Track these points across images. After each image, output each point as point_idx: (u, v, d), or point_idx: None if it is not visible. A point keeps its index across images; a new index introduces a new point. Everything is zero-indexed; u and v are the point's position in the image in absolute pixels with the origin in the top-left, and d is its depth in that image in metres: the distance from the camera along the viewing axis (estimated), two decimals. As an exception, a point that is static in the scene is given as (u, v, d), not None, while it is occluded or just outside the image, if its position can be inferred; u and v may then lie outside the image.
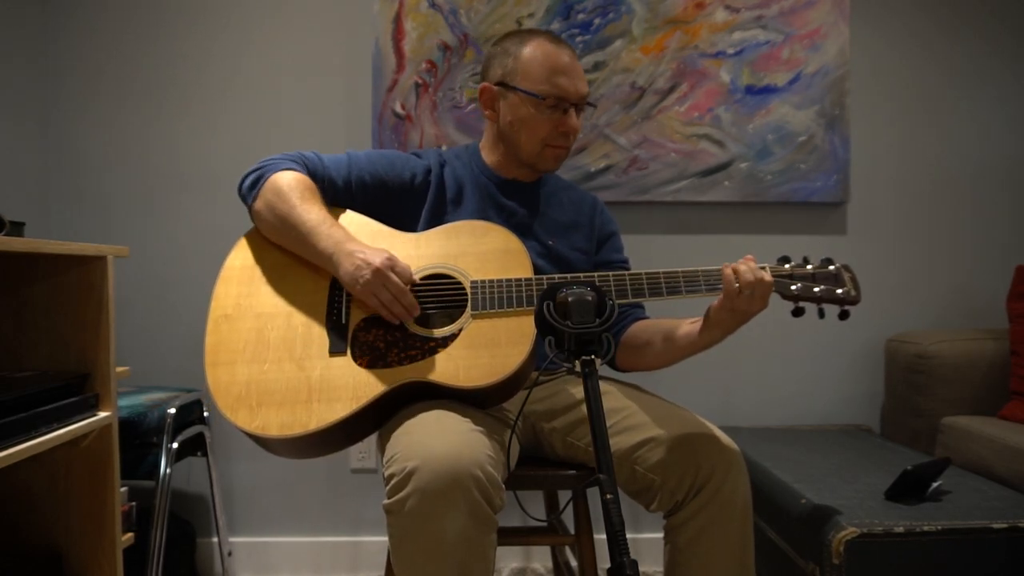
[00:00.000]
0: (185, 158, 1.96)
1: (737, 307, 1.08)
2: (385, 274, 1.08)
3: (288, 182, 1.19)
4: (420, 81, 1.93)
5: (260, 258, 1.22)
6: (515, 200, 1.36)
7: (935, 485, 1.37)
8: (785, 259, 1.16)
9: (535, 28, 1.34)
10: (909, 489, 1.34)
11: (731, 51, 1.95)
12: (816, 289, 1.12)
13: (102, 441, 1.36)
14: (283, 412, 1.07)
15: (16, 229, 1.34)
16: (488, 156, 1.38)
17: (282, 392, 1.09)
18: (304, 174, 1.23)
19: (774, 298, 1.13)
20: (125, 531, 1.43)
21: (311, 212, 1.16)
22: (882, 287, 2.02)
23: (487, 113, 1.35)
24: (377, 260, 1.09)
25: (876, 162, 2.02)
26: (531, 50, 1.28)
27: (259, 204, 1.20)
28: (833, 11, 1.94)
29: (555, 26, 1.93)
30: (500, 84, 1.31)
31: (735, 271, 1.08)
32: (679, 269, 1.15)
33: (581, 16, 1.93)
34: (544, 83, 1.27)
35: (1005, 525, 1.22)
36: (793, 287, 1.12)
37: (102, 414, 1.33)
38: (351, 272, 1.10)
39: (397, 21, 1.92)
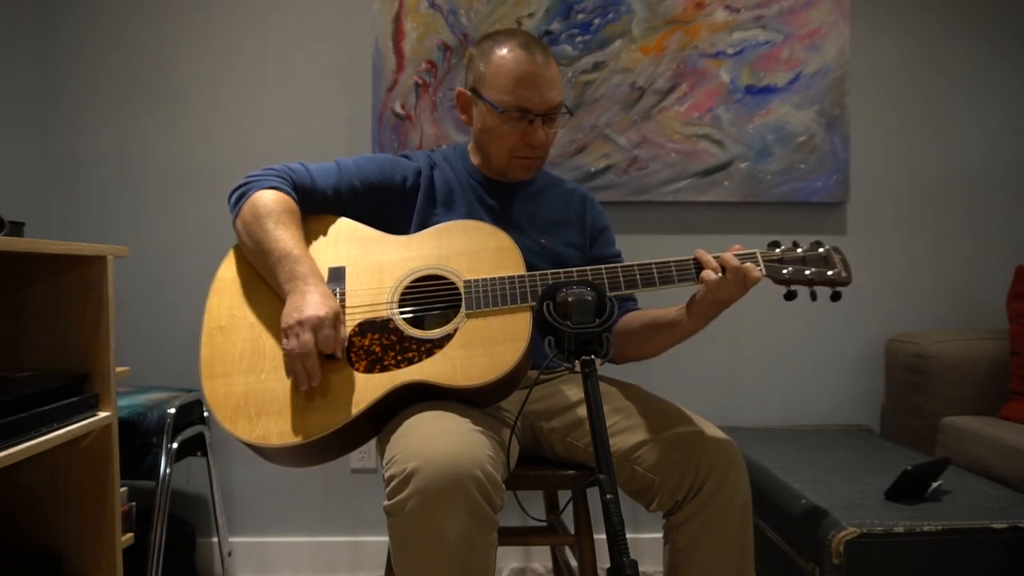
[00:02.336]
0: (184, 158, 1.96)
1: (719, 298, 1.10)
2: (303, 327, 1.05)
3: (266, 204, 1.18)
4: (420, 81, 1.93)
5: (251, 268, 1.21)
6: (504, 200, 1.36)
7: (935, 485, 1.37)
8: (775, 243, 1.16)
9: (513, 29, 1.31)
10: (909, 489, 1.34)
11: (731, 51, 1.95)
12: (807, 272, 1.13)
13: (102, 441, 1.36)
14: (282, 421, 1.07)
15: (16, 229, 1.34)
16: (474, 157, 1.39)
17: (280, 401, 1.08)
18: (288, 191, 1.22)
19: (770, 293, 1.14)
20: (125, 531, 1.43)
21: (280, 241, 1.14)
22: (882, 287, 2.02)
23: (463, 117, 1.35)
24: (308, 312, 1.05)
25: (876, 162, 2.02)
26: (499, 58, 1.26)
27: (238, 223, 1.20)
28: (833, 11, 1.94)
29: (555, 26, 1.93)
30: (472, 90, 1.31)
31: (721, 261, 1.10)
32: (671, 259, 1.15)
33: (581, 16, 1.93)
34: (507, 94, 1.24)
35: (1005, 525, 1.22)
36: (784, 271, 1.12)
37: (102, 414, 1.33)
38: (286, 311, 1.08)
39: (397, 21, 1.92)
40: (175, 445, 1.63)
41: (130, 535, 1.44)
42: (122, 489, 1.42)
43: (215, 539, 1.91)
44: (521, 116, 1.26)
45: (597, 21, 1.94)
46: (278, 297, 1.17)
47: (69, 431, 1.24)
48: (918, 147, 2.03)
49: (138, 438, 1.60)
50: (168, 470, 1.60)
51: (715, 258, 1.11)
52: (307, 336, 1.05)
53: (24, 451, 1.12)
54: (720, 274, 1.09)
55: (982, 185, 2.04)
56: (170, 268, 1.96)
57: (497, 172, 1.35)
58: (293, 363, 1.06)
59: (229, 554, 1.87)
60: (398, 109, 1.93)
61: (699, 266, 1.12)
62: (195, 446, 1.78)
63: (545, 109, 1.26)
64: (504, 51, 1.26)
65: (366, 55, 1.95)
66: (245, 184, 1.22)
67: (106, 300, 1.34)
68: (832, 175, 1.96)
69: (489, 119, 1.28)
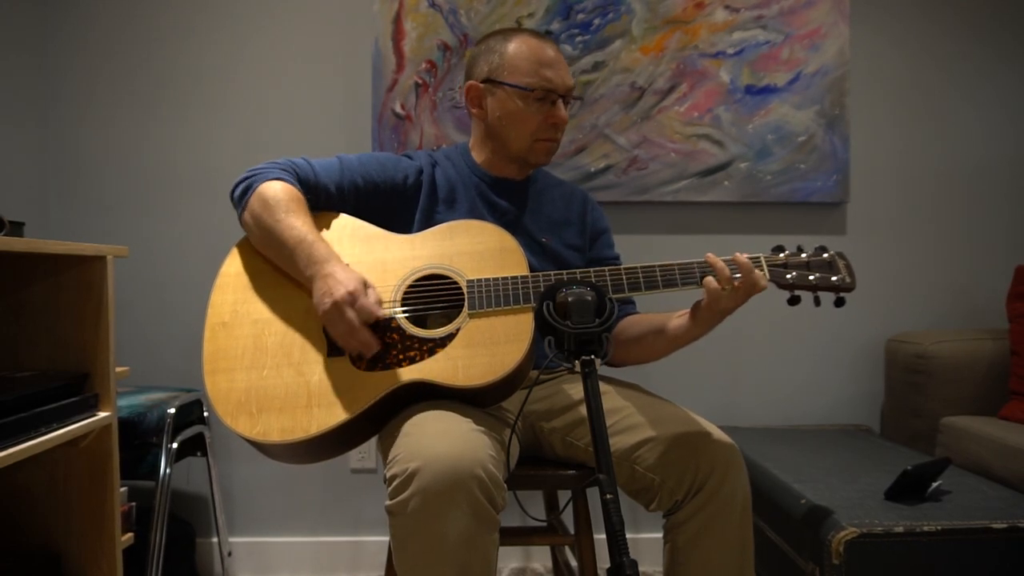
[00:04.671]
0: (184, 158, 1.96)
1: (723, 306, 1.10)
2: (342, 308, 1.05)
3: (275, 194, 1.18)
4: (420, 81, 1.93)
5: (255, 264, 1.21)
6: (507, 198, 1.36)
7: (935, 485, 1.37)
8: (779, 248, 1.16)
9: (516, 26, 1.35)
10: (909, 489, 1.34)
11: (731, 51, 1.95)
12: (811, 277, 1.13)
13: (102, 441, 1.36)
14: (284, 417, 1.07)
15: (16, 229, 1.34)
16: (478, 155, 1.39)
17: (282, 398, 1.09)
18: (293, 183, 1.22)
19: (772, 294, 1.14)
20: (125, 531, 1.43)
21: (294, 228, 1.14)
22: (882, 287, 2.02)
23: (474, 111, 1.36)
24: (339, 292, 1.06)
25: (876, 162, 2.03)
26: (516, 46, 1.30)
27: (247, 215, 1.20)
28: (833, 11, 1.95)
29: (555, 26, 1.93)
30: (487, 81, 1.32)
31: (718, 269, 1.10)
32: (674, 262, 1.15)
33: (581, 16, 1.93)
34: (532, 76, 1.28)
35: (1004, 525, 1.22)
36: (788, 276, 1.12)
37: (102, 414, 1.33)
38: (319, 294, 1.08)
39: (397, 21, 1.92)
40: (175, 445, 1.63)
41: (130, 535, 1.44)
42: (122, 489, 1.42)
43: (215, 539, 1.91)
44: (545, 97, 1.29)
45: (597, 21, 1.94)
46: (281, 293, 1.17)
47: (69, 431, 1.24)
48: (918, 147, 2.04)
49: (138, 438, 1.60)
50: (168, 470, 1.60)
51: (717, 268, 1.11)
52: (350, 315, 1.06)
53: (24, 451, 1.12)
54: (716, 285, 1.09)
55: (982, 185, 2.04)
56: (170, 268, 1.96)
57: (516, 159, 1.35)
58: (348, 343, 1.08)
59: (229, 554, 1.87)
60: (398, 109, 1.93)
61: (703, 270, 1.12)
62: (195, 446, 1.78)
63: (565, 90, 1.31)
64: (519, 40, 1.30)
65: (366, 55, 1.95)
66: (249, 177, 1.22)
67: (106, 300, 1.34)
68: (832, 175, 1.97)
69: (511, 104, 1.30)
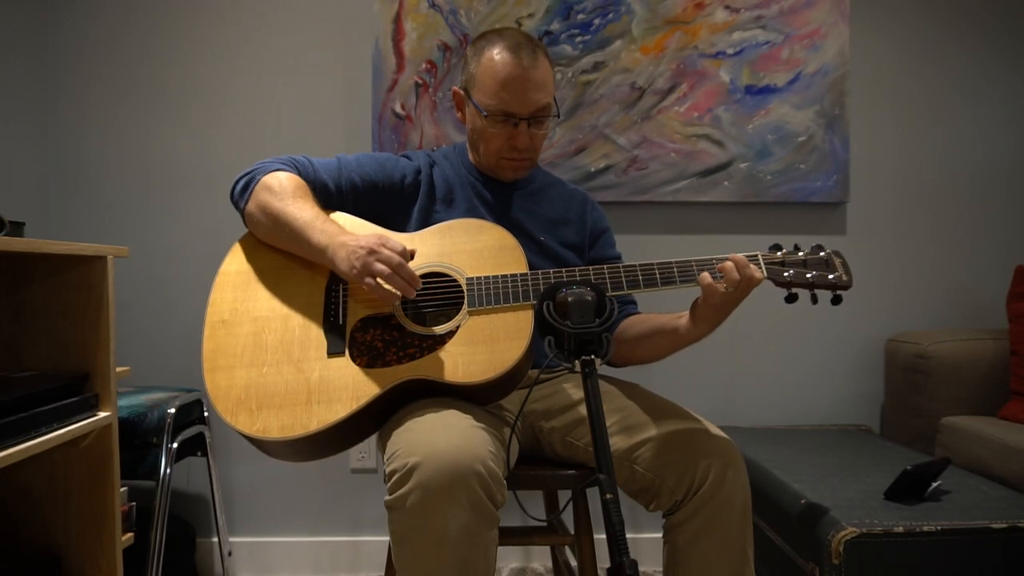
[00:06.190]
0: (185, 158, 1.96)
1: (720, 301, 1.10)
2: (377, 250, 1.06)
3: (280, 181, 1.19)
4: (420, 81, 1.93)
5: (255, 262, 1.22)
6: (503, 197, 1.37)
7: (935, 485, 1.37)
8: (777, 247, 1.17)
9: (505, 29, 1.30)
10: (909, 489, 1.34)
11: (731, 51, 1.95)
12: (808, 275, 1.13)
13: (102, 441, 1.36)
14: (283, 414, 1.07)
15: (16, 229, 1.35)
16: (472, 155, 1.39)
17: (282, 395, 1.09)
18: (295, 175, 1.23)
19: (771, 294, 1.14)
20: (125, 531, 1.43)
21: (304, 209, 1.16)
22: (882, 287, 2.02)
23: (459, 115, 1.37)
24: (369, 242, 1.08)
25: (876, 162, 2.03)
26: (487, 60, 1.25)
27: (251, 206, 1.20)
28: (833, 11, 1.95)
29: (555, 26, 1.93)
30: (464, 90, 1.32)
31: (722, 268, 1.10)
32: (672, 260, 1.15)
33: (581, 16, 1.93)
34: (491, 98, 1.25)
35: (1004, 525, 1.22)
36: (786, 274, 1.13)
37: (102, 414, 1.33)
38: (346, 258, 1.08)
39: (397, 21, 1.92)
40: (175, 445, 1.63)
41: (130, 535, 1.44)
42: (122, 489, 1.42)
43: (215, 539, 1.91)
44: (505, 120, 1.26)
45: (597, 21, 1.94)
46: (281, 291, 1.18)
47: (69, 431, 1.24)
48: (918, 147, 2.04)
49: (138, 438, 1.60)
50: (168, 470, 1.60)
51: (717, 264, 1.11)
52: (386, 253, 1.05)
53: (24, 451, 1.12)
54: (727, 287, 1.09)
55: (982, 185, 2.04)
56: (170, 268, 1.96)
57: (488, 171, 1.36)
58: (393, 280, 1.06)
59: (229, 554, 1.87)
60: (398, 109, 1.93)
61: (701, 267, 1.13)
62: (195, 446, 1.78)
63: (530, 112, 1.26)
64: (492, 53, 1.26)
65: (366, 55, 1.95)
66: (251, 172, 1.23)
67: (106, 300, 1.34)
68: (832, 175, 1.97)
69: (477, 120, 1.30)
